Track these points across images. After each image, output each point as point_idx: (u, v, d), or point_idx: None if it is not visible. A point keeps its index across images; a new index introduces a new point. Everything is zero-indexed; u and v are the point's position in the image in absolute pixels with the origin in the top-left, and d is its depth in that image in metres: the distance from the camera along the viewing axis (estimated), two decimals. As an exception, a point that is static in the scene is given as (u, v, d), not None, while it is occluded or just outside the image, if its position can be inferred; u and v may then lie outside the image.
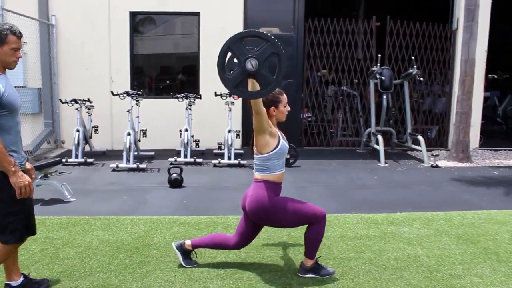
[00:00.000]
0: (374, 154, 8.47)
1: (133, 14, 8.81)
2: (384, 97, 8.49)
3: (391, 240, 4.40)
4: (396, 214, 5.19)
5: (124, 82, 8.85)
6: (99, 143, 8.72)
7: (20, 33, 3.00)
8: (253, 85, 3.06)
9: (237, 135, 8.12)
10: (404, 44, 9.31)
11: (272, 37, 3.00)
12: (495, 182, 6.90)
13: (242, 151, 8.56)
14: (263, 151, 3.37)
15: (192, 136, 8.20)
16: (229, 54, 3.02)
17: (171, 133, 8.52)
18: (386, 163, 7.94)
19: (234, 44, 2.95)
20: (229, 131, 7.65)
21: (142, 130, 7.99)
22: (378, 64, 8.27)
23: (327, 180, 6.89)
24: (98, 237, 4.41)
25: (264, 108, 3.24)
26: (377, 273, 3.68)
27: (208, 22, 8.82)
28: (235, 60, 3.02)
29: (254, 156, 3.46)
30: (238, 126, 8.94)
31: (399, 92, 9.29)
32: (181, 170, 6.39)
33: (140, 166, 7.25)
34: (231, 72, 3.01)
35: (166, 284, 3.45)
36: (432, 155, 7.88)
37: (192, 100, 7.87)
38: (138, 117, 8.00)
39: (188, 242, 3.77)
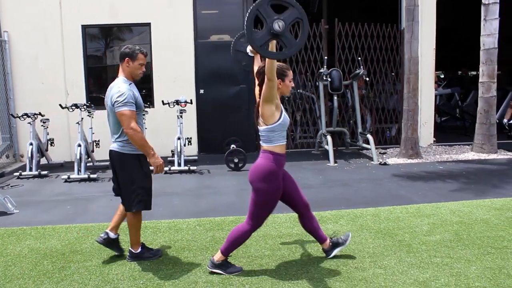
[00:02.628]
0: (327, 155, 8.63)
1: (84, 27, 8.94)
2: (335, 98, 8.68)
3: (311, 238, 4.54)
4: (326, 212, 5.34)
5: (80, 94, 8.97)
6: (57, 155, 8.82)
7: (146, 53, 4.01)
8: (272, 48, 3.25)
9: (189, 142, 8.25)
10: (353, 45, 9.51)
11: (297, 3, 3.18)
12: (436, 177, 7.09)
13: (196, 157, 8.70)
14: (269, 121, 3.51)
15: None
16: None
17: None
18: (335, 162, 8.10)
19: (261, 7, 3.10)
20: (179, 138, 7.77)
21: (95, 141, 8.09)
22: (325, 66, 8.44)
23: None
24: (29, 246, 4.52)
25: (276, 77, 3.37)
26: (284, 269, 3.82)
27: (159, 32, 8.98)
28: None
29: (260, 128, 3.59)
30: (192, 133, 9.08)
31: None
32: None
33: (92, 176, 7.36)
34: (257, 32, 3.18)
35: (79, 287, 3.57)
36: (380, 153, 8.04)
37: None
38: (91, 128, 8.12)
39: (216, 257, 3.76)
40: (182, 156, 7.78)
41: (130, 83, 3.88)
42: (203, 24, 9.10)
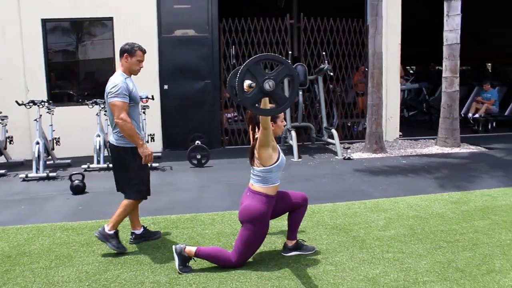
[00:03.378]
0: (292, 150, 8.61)
1: (45, 21, 8.69)
2: (300, 93, 8.65)
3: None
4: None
5: (40, 90, 8.73)
6: (18, 153, 8.57)
7: (145, 50, 4.16)
8: (264, 103, 3.31)
9: (152, 138, 8.12)
10: (319, 40, 9.48)
11: (287, 60, 3.30)
12: (397, 171, 7.14)
13: (160, 154, 8.58)
14: (267, 163, 3.61)
15: (108, 142, 8.20)
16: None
17: (89, 140, 8.44)
18: (300, 158, 8.09)
19: (252, 67, 3.17)
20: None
21: (55, 138, 7.90)
22: (290, 61, 8.38)
23: (232, 178, 6.96)
24: (-24, 248, 4.37)
25: (271, 125, 3.50)
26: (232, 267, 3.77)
27: (122, 26, 8.78)
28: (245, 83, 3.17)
29: (255, 168, 3.67)
30: (157, 129, 8.95)
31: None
32: (83, 176, 6.37)
33: (50, 174, 7.17)
34: (249, 92, 3.22)
35: (21, 291, 3.46)
36: (344, 148, 8.06)
37: (102, 106, 7.82)
38: (51, 125, 7.93)
39: (188, 249, 3.72)
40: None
41: (127, 77, 4.05)
42: (167, 19, 8.96)
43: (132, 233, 4.41)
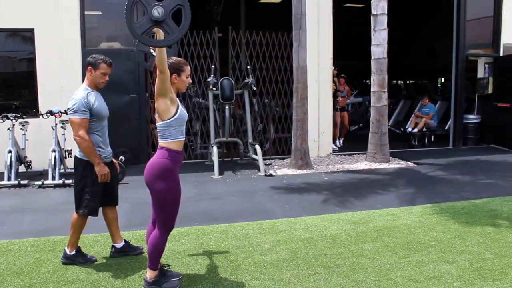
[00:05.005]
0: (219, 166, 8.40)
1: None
2: (226, 107, 8.47)
3: (139, 258, 4.28)
4: (175, 230, 5.05)
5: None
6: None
7: (110, 63, 4.10)
8: (159, 36, 3.17)
9: (69, 153, 7.83)
10: (247, 54, 9.32)
11: None
12: (314, 188, 6.97)
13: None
14: (164, 116, 3.37)
15: (25, 157, 7.88)
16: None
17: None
18: (221, 174, 7.88)
19: None
20: (53, 151, 7.34)
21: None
22: (212, 75, 8.23)
23: (141, 196, 6.57)
24: None
25: (168, 70, 3.26)
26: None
27: (44, 38, 8.48)
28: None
29: (157, 124, 3.46)
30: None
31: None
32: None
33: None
34: (139, 21, 3.12)
35: None
36: (265, 164, 7.88)
37: (13, 120, 7.49)
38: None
39: (149, 274, 3.59)
40: (57, 169, 7.33)
41: (90, 91, 4.01)
42: (91, 31, 8.70)
43: (113, 246, 4.37)
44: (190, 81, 3.63)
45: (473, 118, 10.85)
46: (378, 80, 8.60)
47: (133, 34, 3.13)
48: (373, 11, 8.48)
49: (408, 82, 18.02)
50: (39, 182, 7.23)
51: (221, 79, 8.29)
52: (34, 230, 5.21)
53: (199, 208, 5.99)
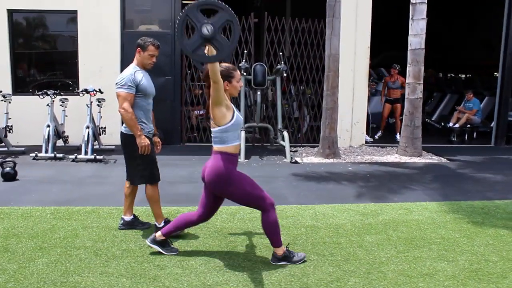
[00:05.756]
0: (247, 150, 8.52)
1: (11, 12, 8.85)
2: (258, 93, 8.53)
3: (144, 232, 4.48)
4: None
5: (4, 80, 8.90)
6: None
7: (158, 45, 4.32)
8: (211, 52, 3.29)
9: (103, 130, 8.19)
10: (283, 40, 9.29)
11: (226, 5, 3.22)
12: (334, 178, 6.95)
13: (114, 147, 8.57)
14: (221, 123, 3.55)
15: (63, 132, 8.33)
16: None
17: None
18: (248, 158, 7.98)
19: (191, 12, 3.18)
20: (87, 127, 7.70)
21: (8, 126, 8.07)
22: (244, 60, 8.30)
23: (165, 175, 6.78)
24: None
25: (221, 80, 3.41)
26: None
27: (86, 20, 8.87)
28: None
29: (212, 129, 3.64)
30: (118, 123, 8.99)
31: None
32: (15, 164, 6.48)
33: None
34: (190, 38, 3.28)
35: None
36: (292, 151, 7.89)
37: (52, 97, 7.91)
38: (7, 113, 8.11)
39: (158, 234, 3.96)
40: (90, 145, 7.70)
41: (138, 70, 4.25)
42: (131, 14, 9.00)
43: (122, 219, 4.59)
44: (242, 85, 3.77)
45: (519, 116, 10.33)
46: (413, 71, 8.36)
47: (184, 51, 3.30)
48: (412, 0, 8.23)
49: (459, 75, 17.29)
50: (73, 156, 7.64)
51: (254, 64, 8.35)
52: (58, 199, 5.56)
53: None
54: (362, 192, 6.22)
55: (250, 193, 3.66)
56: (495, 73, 17.22)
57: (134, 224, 4.61)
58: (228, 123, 3.54)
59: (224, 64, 3.64)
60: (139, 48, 4.27)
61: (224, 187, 3.61)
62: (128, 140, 4.28)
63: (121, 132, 4.34)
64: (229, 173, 3.58)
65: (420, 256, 4.10)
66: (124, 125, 4.28)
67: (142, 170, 4.30)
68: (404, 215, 5.26)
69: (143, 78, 4.23)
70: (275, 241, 3.80)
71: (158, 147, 4.59)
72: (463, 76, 15.86)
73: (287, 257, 3.83)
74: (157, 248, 3.95)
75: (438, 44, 17.32)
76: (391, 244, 4.36)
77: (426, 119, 11.86)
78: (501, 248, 4.34)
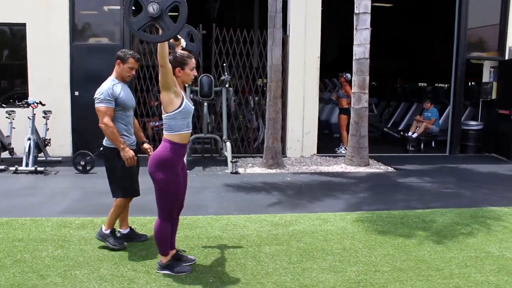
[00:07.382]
0: (195, 161, 8.53)
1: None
2: (206, 104, 8.55)
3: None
4: (99, 219, 5.22)
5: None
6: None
7: (138, 58, 4.36)
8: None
9: (48, 142, 8.23)
10: (231, 51, 9.27)
11: None
12: (266, 188, 6.93)
13: (60, 158, 8.56)
14: (168, 109, 3.52)
15: (9, 144, 8.35)
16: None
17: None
18: (189, 169, 7.96)
19: None
20: (29, 139, 7.72)
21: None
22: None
23: (98, 186, 6.71)
24: None
25: (169, 64, 3.39)
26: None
27: (35, 32, 8.89)
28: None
29: (162, 116, 3.62)
30: (67, 134, 9.04)
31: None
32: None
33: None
34: (136, 16, 3.27)
35: None
36: (231, 162, 7.88)
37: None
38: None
39: (163, 260, 3.87)
40: (31, 156, 7.70)
41: (117, 83, 4.25)
42: (80, 26, 9.05)
43: (118, 232, 4.59)
44: (196, 74, 3.73)
45: (474, 124, 10.30)
46: (358, 81, 8.37)
47: (130, 28, 3.29)
48: (356, 10, 8.25)
49: (421, 85, 17.44)
50: (13, 168, 7.64)
51: (201, 76, 8.37)
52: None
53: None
54: (285, 202, 6.20)
55: (166, 196, 3.64)
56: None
57: (130, 236, 4.62)
58: (175, 110, 3.50)
59: (180, 51, 3.63)
60: (118, 60, 4.27)
61: (155, 171, 3.57)
62: (110, 152, 4.28)
63: (103, 145, 4.34)
64: (168, 161, 3.56)
65: (310, 267, 4.07)
66: (106, 138, 4.28)
67: (123, 182, 4.30)
68: (317, 225, 5.24)
69: (121, 91, 4.23)
70: (161, 250, 3.83)
71: (150, 153, 4.46)
72: (429, 86, 15.86)
73: (170, 266, 3.84)
74: (168, 272, 3.83)
75: (410, 55, 17.49)
76: (287, 255, 4.34)
77: (385, 129, 11.85)
78: (398, 258, 4.32)
